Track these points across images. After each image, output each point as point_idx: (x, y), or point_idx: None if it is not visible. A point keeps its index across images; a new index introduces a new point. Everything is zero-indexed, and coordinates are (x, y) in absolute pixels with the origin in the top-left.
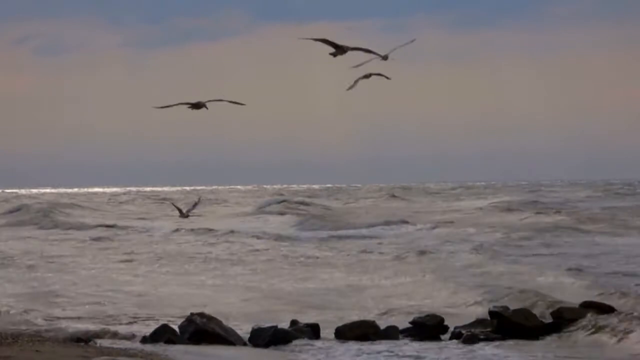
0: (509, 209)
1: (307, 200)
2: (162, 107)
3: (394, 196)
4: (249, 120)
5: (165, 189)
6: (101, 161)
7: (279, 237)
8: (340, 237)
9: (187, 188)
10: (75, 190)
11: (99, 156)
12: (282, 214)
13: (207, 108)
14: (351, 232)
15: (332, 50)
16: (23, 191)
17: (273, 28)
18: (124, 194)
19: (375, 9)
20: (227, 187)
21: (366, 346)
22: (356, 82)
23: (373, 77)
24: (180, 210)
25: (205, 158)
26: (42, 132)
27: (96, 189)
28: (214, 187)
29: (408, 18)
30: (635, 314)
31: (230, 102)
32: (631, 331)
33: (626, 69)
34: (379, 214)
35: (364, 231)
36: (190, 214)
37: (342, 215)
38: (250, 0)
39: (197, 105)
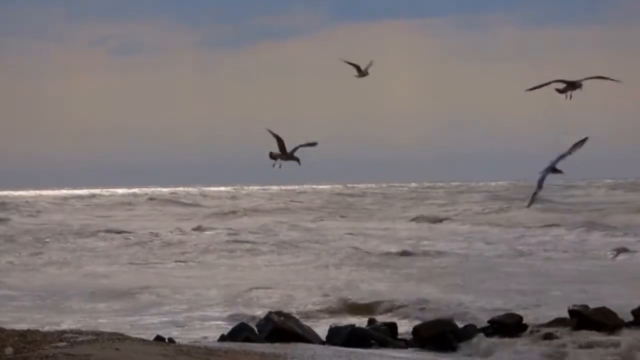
0: None
1: None
2: (532, 89)
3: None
4: (324, 119)
5: (230, 189)
6: (180, 161)
7: None
8: None
9: (244, 188)
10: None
11: (177, 157)
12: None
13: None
14: None
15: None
16: (138, 189)
17: (349, 27)
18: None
19: (452, 6)
20: (301, 186)
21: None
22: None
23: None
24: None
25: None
26: (117, 132)
27: (184, 188)
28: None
29: (486, 15)
30: None
31: (605, 78)
32: None
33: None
34: None
35: None
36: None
37: None
38: None
39: (572, 85)
